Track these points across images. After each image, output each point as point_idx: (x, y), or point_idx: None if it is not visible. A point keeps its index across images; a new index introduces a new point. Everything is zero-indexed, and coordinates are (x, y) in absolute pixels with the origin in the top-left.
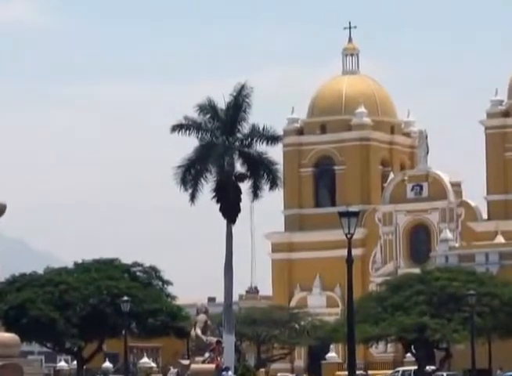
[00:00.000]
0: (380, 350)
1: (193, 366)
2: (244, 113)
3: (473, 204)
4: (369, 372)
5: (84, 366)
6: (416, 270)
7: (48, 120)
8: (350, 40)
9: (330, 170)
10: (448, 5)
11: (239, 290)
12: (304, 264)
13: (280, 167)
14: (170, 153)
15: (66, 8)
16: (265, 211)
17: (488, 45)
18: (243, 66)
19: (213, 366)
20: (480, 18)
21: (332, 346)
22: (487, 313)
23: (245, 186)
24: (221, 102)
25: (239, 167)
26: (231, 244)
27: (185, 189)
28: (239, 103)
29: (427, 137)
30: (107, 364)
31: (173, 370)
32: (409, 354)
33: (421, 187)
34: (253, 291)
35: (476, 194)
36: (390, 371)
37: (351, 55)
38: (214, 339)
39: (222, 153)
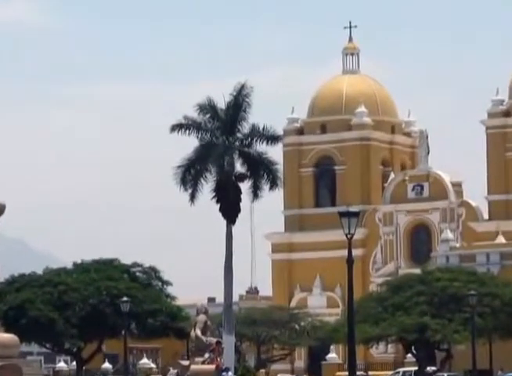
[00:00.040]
0: (380, 351)
1: (193, 366)
2: (244, 113)
3: (474, 204)
4: (370, 373)
5: (84, 367)
6: (417, 270)
7: (48, 120)
8: (350, 39)
9: (331, 170)
10: (448, 5)
11: (239, 290)
12: (305, 264)
13: (280, 167)
14: (170, 153)
15: (66, 8)
16: (265, 211)
17: (488, 45)
18: (243, 66)
19: (213, 366)
20: (480, 18)
21: (332, 347)
22: (488, 314)
23: (245, 186)
24: (221, 102)
25: (239, 167)
26: (231, 244)
27: (185, 189)
28: (239, 103)
29: (427, 137)
30: (107, 365)
31: (173, 371)
32: (409, 355)
33: (422, 187)
34: (253, 292)
35: (477, 194)
36: (390, 372)
37: (352, 54)
38: (213, 340)
39: (222, 153)
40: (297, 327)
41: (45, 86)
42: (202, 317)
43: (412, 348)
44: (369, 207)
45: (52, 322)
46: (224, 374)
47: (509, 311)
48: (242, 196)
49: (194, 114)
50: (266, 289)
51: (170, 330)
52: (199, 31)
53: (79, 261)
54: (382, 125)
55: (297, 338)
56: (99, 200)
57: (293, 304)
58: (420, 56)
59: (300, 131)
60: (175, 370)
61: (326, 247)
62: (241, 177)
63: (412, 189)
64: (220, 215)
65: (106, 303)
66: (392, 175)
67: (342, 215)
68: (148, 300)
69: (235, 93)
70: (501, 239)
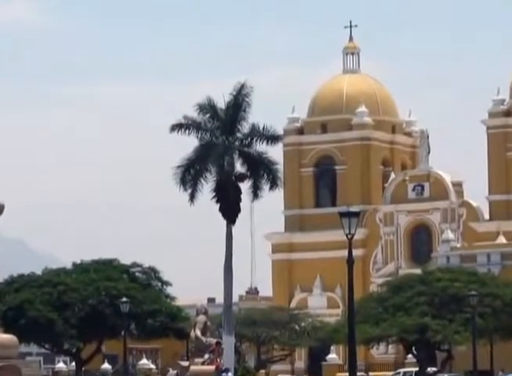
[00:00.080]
0: (381, 351)
1: (193, 367)
2: (244, 113)
3: (474, 204)
4: (370, 373)
5: (83, 368)
6: (418, 271)
7: (48, 120)
8: (351, 39)
9: (331, 170)
10: (448, 5)
11: (239, 290)
12: (305, 265)
13: (280, 167)
14: (170, 153)
15: (66, 8)
16: (265, 211)
17: (488, 45)
18: (243, 66)
19: (212, 367)
20: (480, 18)
21: (332, 347)
22: (489, 314)
23: (245, 186)
24: (221, 101)
25: (239, 167)
26: (231, 244)
27: (185, 189)
28: (239, 103)
29: (428, 137)
30: (106, 365)
31: (172, 372)
32: (410, 355)
33: (422, 187)
34: (253, 292)
35: (478, 194)
36: (391, 373)
37: (352, 54)
38: (213, 340)
39: (222, 152)
40: (297, 327)
41: (45, 86)
42: (202, 318)
43: (413, 348)
44: (370, 207)
45: (51, 322)
46: (224, 374)
47: (510, 311)
48: (242, 196)
49: (194, 114)
50: (266, 289)
51: (169, 331)
52: (199, 31)
53: (78, 261)
54: (382, 125)
55: (298, 339)
56: (99, 200)
57: (293, 304)
58: (421, 56)
59: (300, 131)
60: (175, 371)
61: (327, 248)
62: (241, 177)
63: (413, 189)
64: (220, 215)
65: (106, 303)
66: (393, 175)
67: (342, 215)
68: (147, 300)
69: (235, 93)
70: (502, 239)
